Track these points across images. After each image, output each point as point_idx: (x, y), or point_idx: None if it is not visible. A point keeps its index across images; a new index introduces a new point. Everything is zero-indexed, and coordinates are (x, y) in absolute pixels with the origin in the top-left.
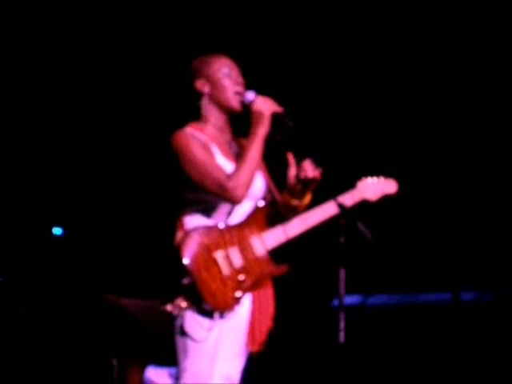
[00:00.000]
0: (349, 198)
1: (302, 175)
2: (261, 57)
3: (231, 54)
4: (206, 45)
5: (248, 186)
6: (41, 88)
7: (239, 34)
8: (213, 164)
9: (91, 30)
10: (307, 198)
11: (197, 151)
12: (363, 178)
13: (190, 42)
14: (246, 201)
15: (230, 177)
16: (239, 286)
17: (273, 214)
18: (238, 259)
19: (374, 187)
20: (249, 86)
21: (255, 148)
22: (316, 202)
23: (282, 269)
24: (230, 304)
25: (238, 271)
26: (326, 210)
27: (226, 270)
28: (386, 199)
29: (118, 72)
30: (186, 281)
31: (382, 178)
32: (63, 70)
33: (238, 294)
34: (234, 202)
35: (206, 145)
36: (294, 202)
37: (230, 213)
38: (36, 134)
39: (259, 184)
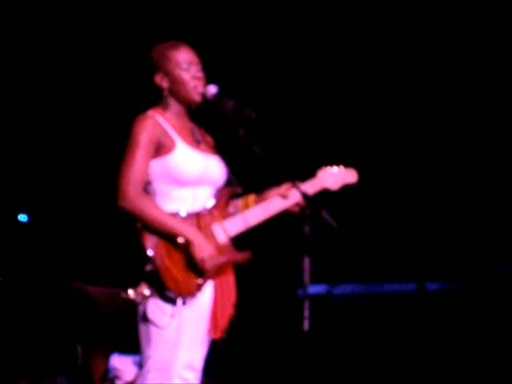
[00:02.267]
0: (309, 187)
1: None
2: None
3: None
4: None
5: (134, 215)
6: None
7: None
8: (138, 166)
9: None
10: None
11: (141, 145)
12: (323, 167)
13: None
14: (206, 187)
15: (138, 192)
16: (200, 271)
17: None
18: None
19: (334, 176)
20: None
21: (166, 226)
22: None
23: (244, 256)
24: (193, 291)
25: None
26: (292, 198)
27: (187, 256)
28: (349, 188)
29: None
30: (148, 267)
31: (342, 168)
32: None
33: (200, 280)
34: (116, 205)
35: (159, 138)
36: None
37: (189, 200)
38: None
39: (218, 171)
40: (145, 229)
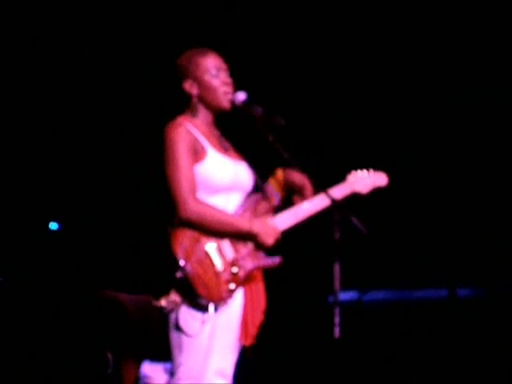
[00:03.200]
0: (339, 191)
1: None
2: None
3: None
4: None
5: (197, 223)
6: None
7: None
8: (186, 173)
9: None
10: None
11: (181, 153)
12: (353, 171)
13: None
14: (236, 193)
15: (195, 199)
16: (232, 278)
17: (262, 206)
18: (229, 251)
19: (364, 180)
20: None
21: (230, 225)
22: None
23: (275, 261)
24: (224, 296)
25: (231, 263)
26: (317, 203)
27: (218, 262)
28: (381, 193)
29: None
30: (179, 275)
31: (371, 171)
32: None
33: (232, 286)
34: (178, 216)
35: (193, 146)
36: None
37: (221, 206)
38: (33, 129)
39: (246, 177)
40: (174, 236)
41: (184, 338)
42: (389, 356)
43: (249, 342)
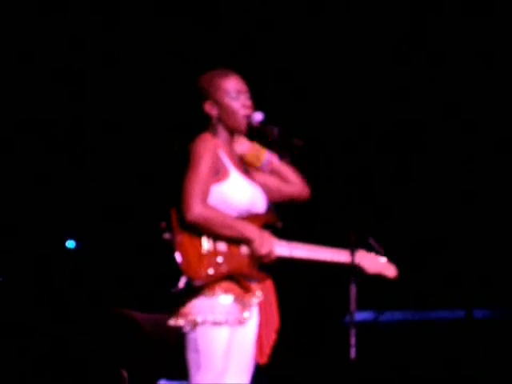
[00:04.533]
0: (347, 256)
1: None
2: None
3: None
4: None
5: (202, 225)
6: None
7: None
8: (202, 182)
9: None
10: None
11: (204, 164)
12: (367, 252)
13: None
14: (250, 216)
15: (204, 205)
16: (214, 265)
17: (269, 224)
18: (223, 245)
19: (375, 262)
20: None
21: (234, 228)
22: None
23: (261, 277)
24: (201, 276)
25: (218, 253)
26: (338, 256)
27: (206, 245)
28: (397, 213)
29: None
30: (167, 236)
31: (384, 259)
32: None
33: (211, 271)
34: (184, 218)
35: (216, 163)
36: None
37: None
38: (49, 146)
39: (261, 200)
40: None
41: (202, 358)
42: (405, 377)
43: (263, 360)
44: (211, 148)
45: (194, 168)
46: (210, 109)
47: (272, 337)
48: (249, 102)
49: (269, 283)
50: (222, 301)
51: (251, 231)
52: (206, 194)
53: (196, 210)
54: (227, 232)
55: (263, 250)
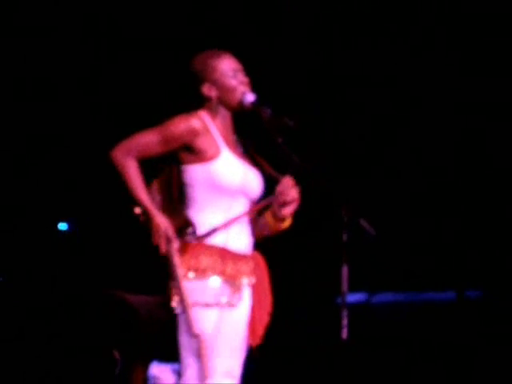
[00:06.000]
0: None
1: (281, 199)
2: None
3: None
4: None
5: (115, 167)
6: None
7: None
8: (145, 142)
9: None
10: (287, 222)
11: (165, 132)
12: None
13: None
14: (243, 199)
15: (129, 155)
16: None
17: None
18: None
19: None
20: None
21: (140, 200)
22: None
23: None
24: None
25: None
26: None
27: None
28: (389, 195)
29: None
30: (137, 210)
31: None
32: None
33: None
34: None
35: (188, 142)
36: (275, 226)
37: (226, 209)
38: (42, 131)
39: (255, 184)
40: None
41: (193, 340)
42: (396, 358)
43: (256, 342)
44: (189, 126)
45: (155, 129)
46: (209, 91)
47: (265, 319)
48: (246, 79)
49: (262, 264)
50: (212, 283)
51: (151, 208)
52: (139, 151)
53: (120, 151)
54: (131, 192)
55: (157, 232)
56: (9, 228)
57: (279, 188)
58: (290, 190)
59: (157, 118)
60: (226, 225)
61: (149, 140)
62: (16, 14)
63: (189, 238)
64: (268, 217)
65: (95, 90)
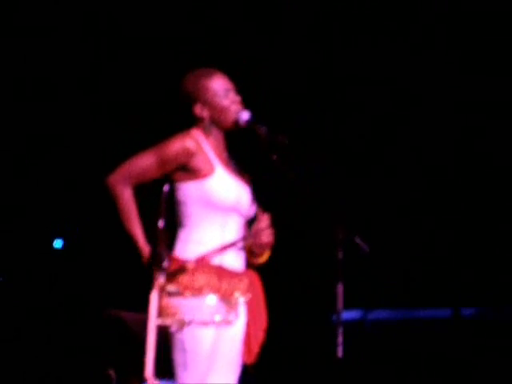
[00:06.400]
0: None
1: (257, 240)
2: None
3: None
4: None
5: (109, 195)
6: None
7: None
8: (141, 166)
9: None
10: (264, 258)
11: (160, 154)
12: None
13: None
14: (235, 216)
15: (124, 183)
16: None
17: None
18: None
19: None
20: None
21: (130, 231)
22: None
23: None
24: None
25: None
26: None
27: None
28: (384, 212)
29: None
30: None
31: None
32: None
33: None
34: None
35: (184, 162)
36: (252, 260)
37: (220, 226)
38: (39, 145)
39: (246, 201)
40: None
41: (189, 358)
42: (392, 375)
43: (251, 360)
44: (184, 146)
45: (150, 151)
46: (201, 111)
47: (260, 336)
48: (238, 98)
49: (257, 282)
50: (208, 301)
51: (139, 240)
52: (135, 177)
53: (116, 179)
54: (123, 222)
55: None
56: (5, 245)
57: (254, 229)
58: (264, 232)
59: (157, 117)
60: (198, 261)
61: (144, 165)
62: (16, 14)
63: (158, 271)
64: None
65: (95, 90)
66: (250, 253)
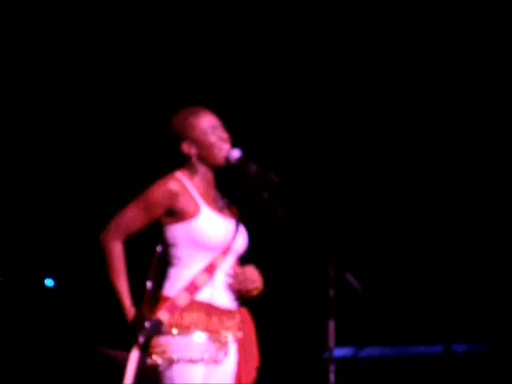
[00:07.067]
0: None
1: (243, 288)
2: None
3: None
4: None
5: (102, 251)
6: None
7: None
8: (133, 220)
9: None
10: (254, 293)
11: (145, 203)
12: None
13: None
14: (230, 255)
15: (118, 238)
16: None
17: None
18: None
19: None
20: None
21: (117, 290)
22: None
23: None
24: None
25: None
26: None
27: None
28: (375, 248)
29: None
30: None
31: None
32: None
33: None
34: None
35: (170, 206)
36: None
37: (213, 267)
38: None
39: (241, 240)
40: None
41: None
42: None
43: None
44: (168, 191)
45: (136, 203)
46: (188, 149)
47: (252, 375)
48: (225, 135)
49: (248, 320)
50: (196, 338)
51: (125, 302)
52: (126, 231)
53: (107, 236)
54: (111, 279)
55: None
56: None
57: (241, 276)
58: (253, 281)
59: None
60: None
61: (131, 216)
62: (16, 14)
63: (140, 333)
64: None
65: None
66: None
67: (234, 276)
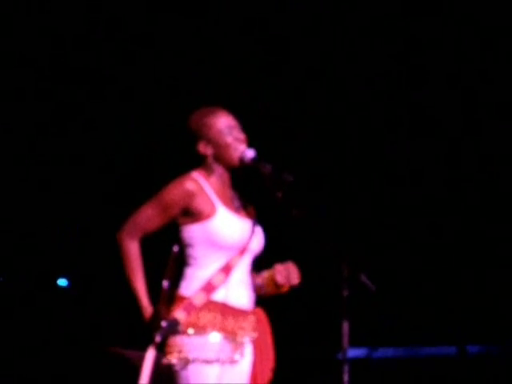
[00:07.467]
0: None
1: (286, 283)
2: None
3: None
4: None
5: (118, 249)
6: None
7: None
8: (149, 219)
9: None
10: (285, 288)
11: (161, 203)
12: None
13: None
14: (247, 255)
15: (134, 236)
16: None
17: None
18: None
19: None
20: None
21: (134, 288)
22: None
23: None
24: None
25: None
26: None
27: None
28: (389, 250)
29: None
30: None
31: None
32: None
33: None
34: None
35: (186, 205)
36: (273, 290)
37: (229, 267)
38: (41, 186)
39: (258, 240)
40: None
41: None
42: None
43: None
44: (184, 190)
45: (152, 202)
46: (205, 149)
47: (267, 375)
48: (242, 135)
49: (264, 320)
50: (212, 339)
51: (143, 299)
52: (142, 230)
53: (124, 235)
54: (128, 278)
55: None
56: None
57: (285, 271)
58: (297, 276)
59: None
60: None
61: (148, 215)
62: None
63: (156, 331)
64: (267, 280)
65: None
66: (273, 282)
67: (278, 272)
